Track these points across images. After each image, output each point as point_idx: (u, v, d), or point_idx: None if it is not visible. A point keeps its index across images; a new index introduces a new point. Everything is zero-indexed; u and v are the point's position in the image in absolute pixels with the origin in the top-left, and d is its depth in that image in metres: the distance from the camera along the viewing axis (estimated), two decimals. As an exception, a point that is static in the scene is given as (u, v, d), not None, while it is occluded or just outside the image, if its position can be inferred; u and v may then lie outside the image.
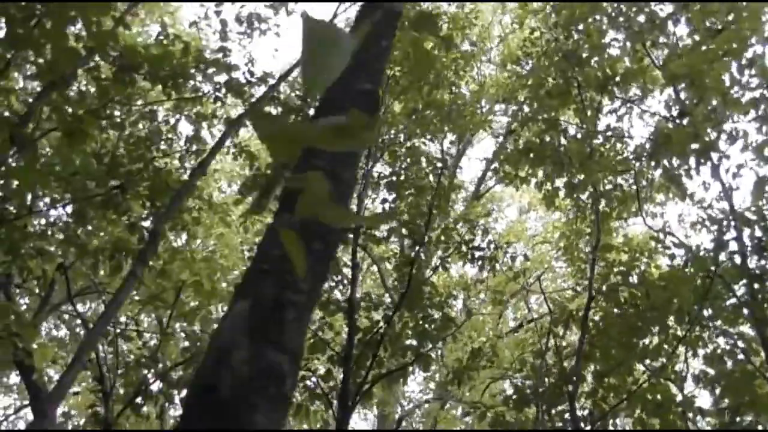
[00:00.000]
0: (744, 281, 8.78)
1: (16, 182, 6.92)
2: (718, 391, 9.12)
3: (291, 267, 2.36)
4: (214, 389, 1.86)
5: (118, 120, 8.72)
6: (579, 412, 7.79)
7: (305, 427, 9.60)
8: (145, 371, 8.92)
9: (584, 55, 9.46)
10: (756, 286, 8.40)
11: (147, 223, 8.50)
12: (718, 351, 9.26)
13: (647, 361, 8.90)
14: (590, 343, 8.39)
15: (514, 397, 8.53)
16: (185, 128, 18.19)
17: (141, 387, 8.76)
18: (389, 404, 11.61)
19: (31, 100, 6.42)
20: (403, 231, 9.36)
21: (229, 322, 2.16)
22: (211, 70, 9.11)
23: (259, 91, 9.51)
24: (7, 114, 5.98)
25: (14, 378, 12.42)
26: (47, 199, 8.71)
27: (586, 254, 10.65)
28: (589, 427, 7.72)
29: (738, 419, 8.67)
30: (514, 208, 15.66)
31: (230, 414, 1.81)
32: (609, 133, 9.39)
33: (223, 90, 9.33)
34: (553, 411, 8.11)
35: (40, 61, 6.39)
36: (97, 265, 8.68)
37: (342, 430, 7.64)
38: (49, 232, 8.54)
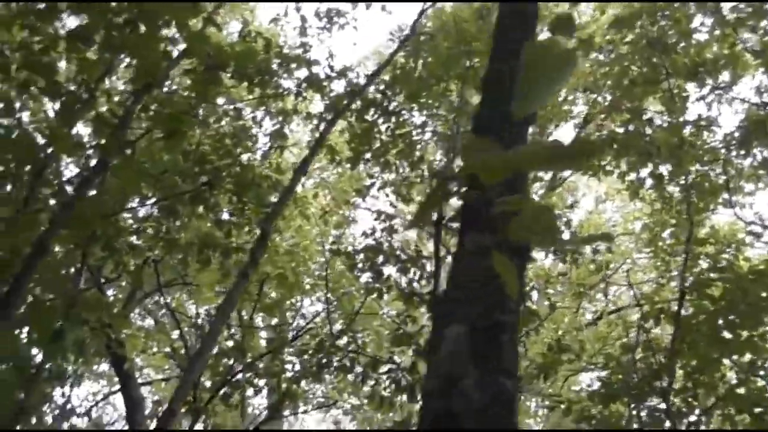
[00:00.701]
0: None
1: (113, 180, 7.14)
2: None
3: (495, 288, 2.42)
4: (454, 418, 1.97)
5: (204, 118, 8.91)
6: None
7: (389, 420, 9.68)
8: (231, 361, 9.14)
9: (671, 41, 9.20)
10: None
11: (234, 218, 8.69)
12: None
13: (735, 357, 8.67)
14: (680, 339, 8.21)
15: (602, 391, 8.40)
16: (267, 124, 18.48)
17: (227, 376, 8.98)
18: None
19: (128, 102, 6.59)
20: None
21: (449, 347, 2.23)
22: (292, 66, 9.22)
23: (339, 85, 9.58)
24: (108, 116, 6.17)
25: (103, 366, 12.86)
26: (138, 198, 8.96)
27: (670, 246, 10.41)
28: (684, 425, 7.56)
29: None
30: (590, 198, 15.41)
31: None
32: (698, 122, 9.13)
33: (304, 85, 9.43)
34: (643, 407, 7.97)
35: (135, 63, 6.57)
36: (185, 259, 8.91)
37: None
38: (141, 229, 8.81)
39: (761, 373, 9.10)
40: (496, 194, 2.78)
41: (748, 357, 8.93)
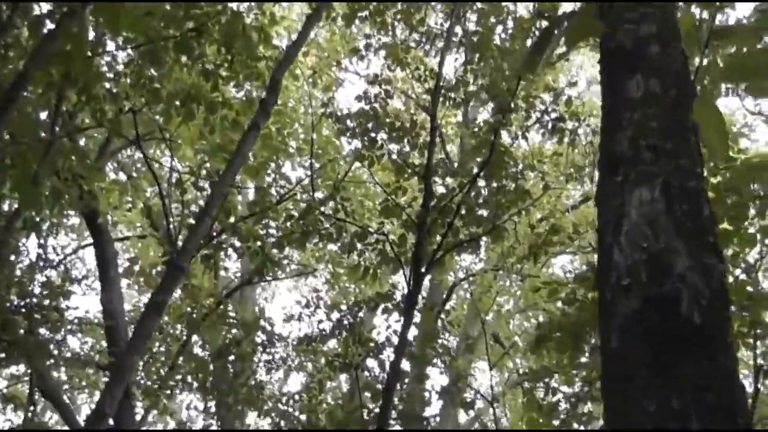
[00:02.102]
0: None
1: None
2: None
3: (683, 142, 2.11)
4: (676, 306, 1.82)
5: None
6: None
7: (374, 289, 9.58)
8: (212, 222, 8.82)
9: None
10: None
11: (221, 71, 8.13)
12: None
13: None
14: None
15: (588, 275, 8.30)
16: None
17: (208, 238, 8.69)
18: (445, 271, 11.51)
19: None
20: (484, 96, 8.91)
21: (642, 211, 1.98)
22: None
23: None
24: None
25: (75, 219, 12.47)
26: (118, 41, 8.31)
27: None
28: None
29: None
30: (582, 79, 14.98)
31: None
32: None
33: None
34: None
35: None
36: (167, 111, 8.39)
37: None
38: (120, 75, 8.22)
39: (742, 266, 9.11)
40: (646, 36, 2.49)
41: (731, 251, 8.91)
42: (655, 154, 2.17)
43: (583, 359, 8.78)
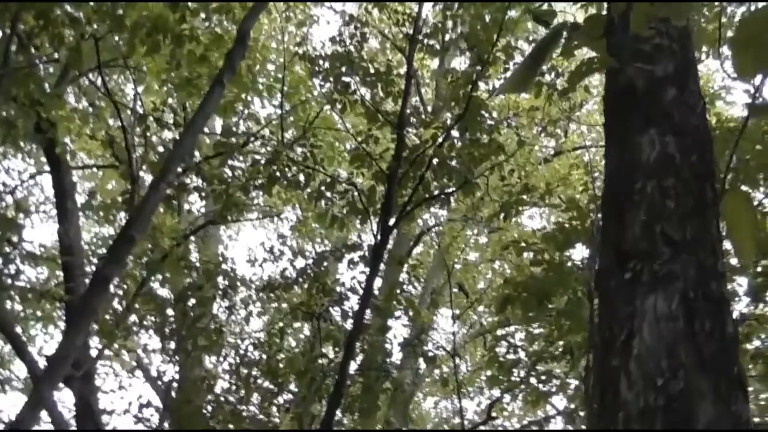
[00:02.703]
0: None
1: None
2: None
3: (707, 235, 1.80)
4: None
5: None
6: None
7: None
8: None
9: None
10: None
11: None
12: None
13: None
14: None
15: (557, 235, 8.19)
16: None
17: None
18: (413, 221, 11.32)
19: None
20: (463, 45, 8.58)
21: (655, 334, 1.65)
22: None
23: None
24: None
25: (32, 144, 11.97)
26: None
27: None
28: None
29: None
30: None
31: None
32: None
33: None
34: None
35: None
36: (131, 41, 7.95)
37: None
38: (81, -1, 7.72)
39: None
40: (662, 77, 2.08)
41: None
42: (673, 249, 1.81)
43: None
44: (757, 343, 9.11)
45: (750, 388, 10.58)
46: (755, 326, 8.92)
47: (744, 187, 8.08)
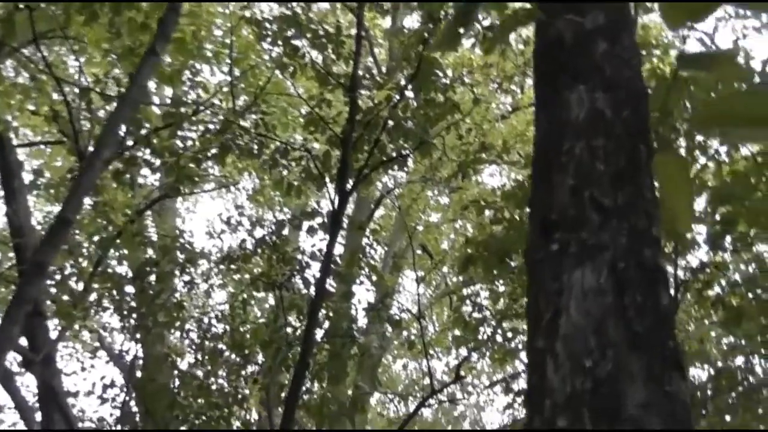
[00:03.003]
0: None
1: None
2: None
3: (640, 199, 1.67)
4: None
5: None
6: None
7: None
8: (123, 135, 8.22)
9: None
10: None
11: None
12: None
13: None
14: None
15: (517, 192, 8.13)
16: None
17: (119, 151, 8.10)
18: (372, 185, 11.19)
19: None
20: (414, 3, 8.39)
21: (582, 309, 1.50)
22: None
23: None
24: None
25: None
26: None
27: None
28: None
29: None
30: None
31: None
32: None
33: None
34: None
35: None
36: (68, 10, 7.63)
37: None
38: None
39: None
40: (592, 29, 1.91)
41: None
42: (603, 215, 1.65)
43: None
44: (717, 289, 9.22)
45: (712, 333, 10.78)
46: (715, 273, 9.01)
47: (699, 136, 8.09)
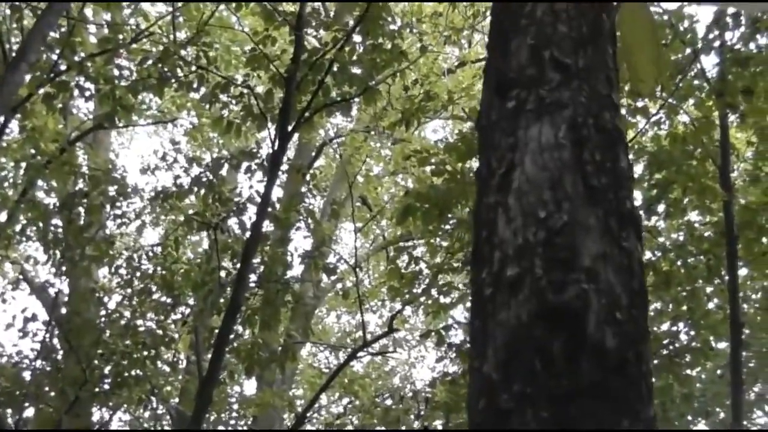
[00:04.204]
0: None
1: None
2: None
3: (600, 57, 1.56)
4: (578, 322, 1.31)
5: None
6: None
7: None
8: (56, 58, 7.84)
9: None
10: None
11: None
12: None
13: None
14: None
15: (459, 145, 8.07)
16: None
17: (51, 74, 7.74)
18: (314, 130, 11.01)
19: None
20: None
21: (538, 164, 1.41)
22: None
23: None
24: None
25: None
26: None
27: None
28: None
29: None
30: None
31: None
32: None
33: None
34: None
35: None
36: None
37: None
38: None
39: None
40: None
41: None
42: (564, 74, 1.58)
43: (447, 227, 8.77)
44: (648, 254, 9.38)
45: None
46: (647, 238, 9.15)
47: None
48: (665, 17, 8.25)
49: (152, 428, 9.59)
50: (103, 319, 9.16)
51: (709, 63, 14.82)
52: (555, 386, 1.27)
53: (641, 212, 9.05)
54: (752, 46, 7.94)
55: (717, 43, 8.18)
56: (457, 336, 11.70)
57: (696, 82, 8.53)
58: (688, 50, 8.07)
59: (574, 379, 1.28)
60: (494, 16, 1.89)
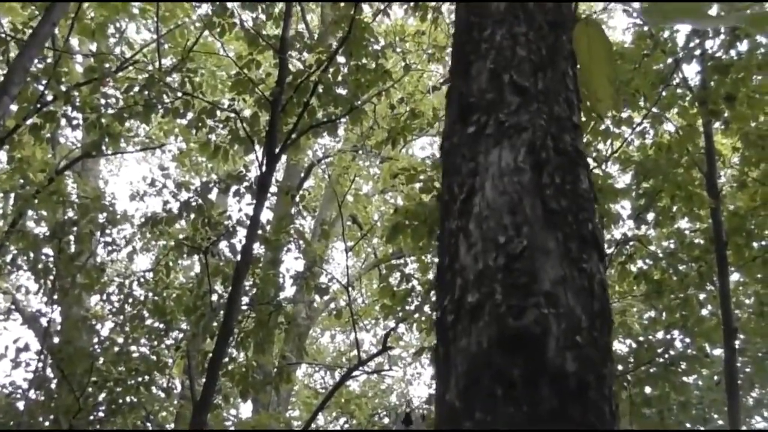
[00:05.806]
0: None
1: None
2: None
3: (557, 76, 1.58)
4: (537, 345, 1.30)
5: None
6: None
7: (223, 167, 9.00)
8: (43, 89, 7.87)
9: None
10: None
11: None
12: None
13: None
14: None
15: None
16: None
17: (37, 105, 7.77)
18: (302, 152, 11.06)
19: None
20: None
21: (499, 188, 1.42)
22: None
23: None
24: None
25: None
26: None
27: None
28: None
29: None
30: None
31: None
32: None
33: None
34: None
35: None
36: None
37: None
38: None
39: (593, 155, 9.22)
40: None
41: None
42: (523, 97, 1.59)
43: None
44: (640, 263, 9.40)
45: (634, 309, 11.02)
46: (638, 247, 9.19)
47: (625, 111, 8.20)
48: (645, 28, 8.34)
49: (152, 429, 9.52)
50: (96, 346, 9.13)
51: (691, 71, 14.96)
52: (515, 413, 1.26)
53: (631, 221, 9.11)
54: (732, 53, 8.02)
55: (698, 52, 8.28)
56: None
57: (679, 90, 8.61)
58: (670, 60, 8.14)
59: (534, 405, 1.27)
60: (456, 40, 1.92)
